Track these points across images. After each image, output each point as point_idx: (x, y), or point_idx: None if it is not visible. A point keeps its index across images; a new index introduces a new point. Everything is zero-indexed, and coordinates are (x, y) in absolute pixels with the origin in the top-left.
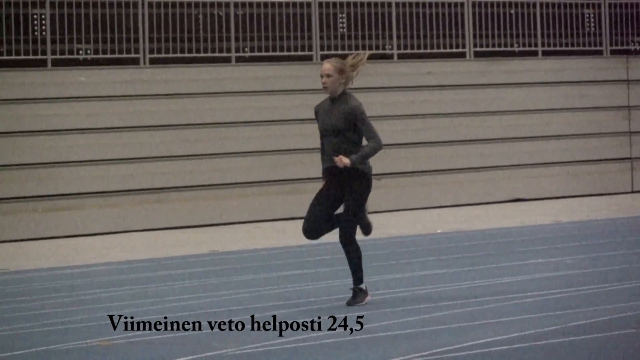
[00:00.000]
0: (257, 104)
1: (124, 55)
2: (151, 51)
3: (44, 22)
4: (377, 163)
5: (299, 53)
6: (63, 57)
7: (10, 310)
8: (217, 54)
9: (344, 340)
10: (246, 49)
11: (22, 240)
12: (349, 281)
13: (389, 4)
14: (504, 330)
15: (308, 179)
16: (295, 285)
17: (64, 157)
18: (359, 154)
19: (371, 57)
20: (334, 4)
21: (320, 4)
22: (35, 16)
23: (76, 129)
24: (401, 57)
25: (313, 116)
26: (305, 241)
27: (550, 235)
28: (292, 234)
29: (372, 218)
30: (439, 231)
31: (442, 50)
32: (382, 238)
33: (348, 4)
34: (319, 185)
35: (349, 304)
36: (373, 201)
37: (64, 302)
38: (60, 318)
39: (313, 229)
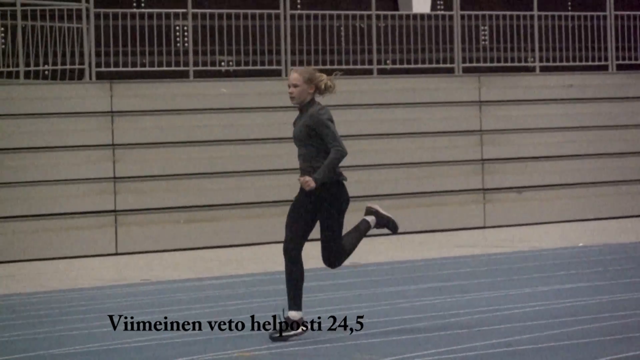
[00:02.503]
0: (398, 116)
1: (266, 67)
2: (293, 63)
3: (186, 34)
4: (519, 176)
5: (441, 65)
6: (205, 68)
7: (153, 321)
8: (358, 66)
9: (486, 353)
10: (388, 61)
11: (163, 251)
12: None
13: (531, 17)
14: None
15: (452, 191)
16: (437, 298)
17: (206, 168)
18: (320, 170)
19: (513, 70)
20: (476, 17)
21: (463, 17)
22: (177, 28)
23: (218, 140)
24: (543, 69)
25: (453, 129)
26: (446, 253)
27: None
28: (433, 247)
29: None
30: (580, 244)
31: (584, 63)
32: (525, 251)
33: (490, 16)
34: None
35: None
36: (516, 214)
37: (206, 313)
38: (202, 328)
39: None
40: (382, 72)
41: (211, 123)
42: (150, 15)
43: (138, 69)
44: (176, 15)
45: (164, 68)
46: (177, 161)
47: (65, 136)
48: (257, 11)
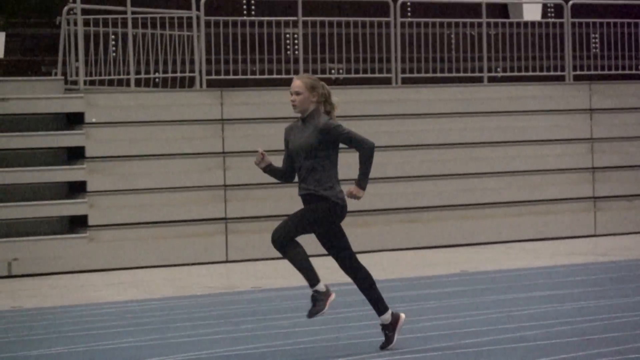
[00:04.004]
0: (508, 124)
1: (376, 75)
2: (403, 71)
3: (296, 41)
4: (630, 184)
5: (551, 73)
6: (315, 76)
7: (262, 328)
8: (468, 74)
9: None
10: (498, 69)
11: (273, 258)
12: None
13: None
14: None
15: (562, 199)
16: (547, 306)
17: None
18: (361, 175)
19: (624, 77)
20: (587, 24)
21: (573, 24)
22: (288, 35)
23: None
24: None
25: (564, 136)
26: (556, 262)
27: None
28: (543, 255)
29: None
30: None
31: None
32: (636, 259)
33: (601, 24)
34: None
35: (310, 313)
36: (627, 223)
37: (315, 321)
38: (310, 336)
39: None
40: (492, 80)
41: None
42: (261, 23)
43: (248, 76)
44: (286, 23)
45: (274, 76)
46: None
47: (175, 144)
48: (368, 19)
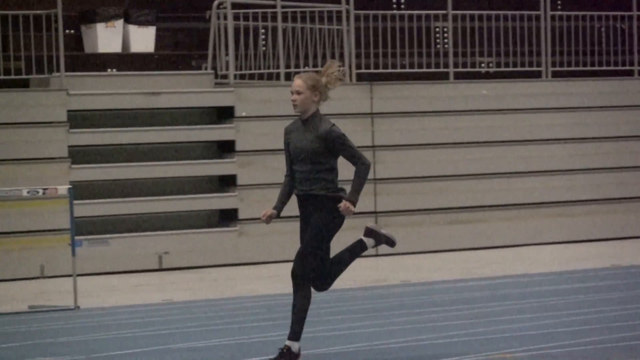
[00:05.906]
0: None
1: (526, 69)
2: (553, 64)
3: (446, 35)
4: None
5: None
6: (465, 70)
7: (412, 322)
8: (619, 67)
9: None
10: None
11: (424, 252)
12: None
13: None
14: None
15: None
16: None
17: (467, 169)
18: (353, 191)
19: None
20: None
21: None
22: (437, 29)
23: (479, 142)
24: None
25: None
26: None
27: None
28: None
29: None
30: None
31: None
32: None
33: None
34: None
35: None
36: None
37: (466, 315)
38: (462, 330)
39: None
40: None
41: (472, 125)
42: (410, 17)
43: (398, 70)
44: (436, 17)
45: (424, 70)
46: (437, 162)
47: None
48: (517, 12)
